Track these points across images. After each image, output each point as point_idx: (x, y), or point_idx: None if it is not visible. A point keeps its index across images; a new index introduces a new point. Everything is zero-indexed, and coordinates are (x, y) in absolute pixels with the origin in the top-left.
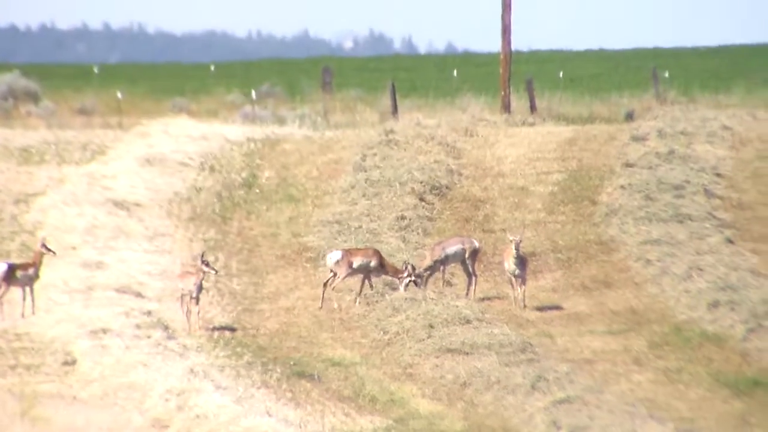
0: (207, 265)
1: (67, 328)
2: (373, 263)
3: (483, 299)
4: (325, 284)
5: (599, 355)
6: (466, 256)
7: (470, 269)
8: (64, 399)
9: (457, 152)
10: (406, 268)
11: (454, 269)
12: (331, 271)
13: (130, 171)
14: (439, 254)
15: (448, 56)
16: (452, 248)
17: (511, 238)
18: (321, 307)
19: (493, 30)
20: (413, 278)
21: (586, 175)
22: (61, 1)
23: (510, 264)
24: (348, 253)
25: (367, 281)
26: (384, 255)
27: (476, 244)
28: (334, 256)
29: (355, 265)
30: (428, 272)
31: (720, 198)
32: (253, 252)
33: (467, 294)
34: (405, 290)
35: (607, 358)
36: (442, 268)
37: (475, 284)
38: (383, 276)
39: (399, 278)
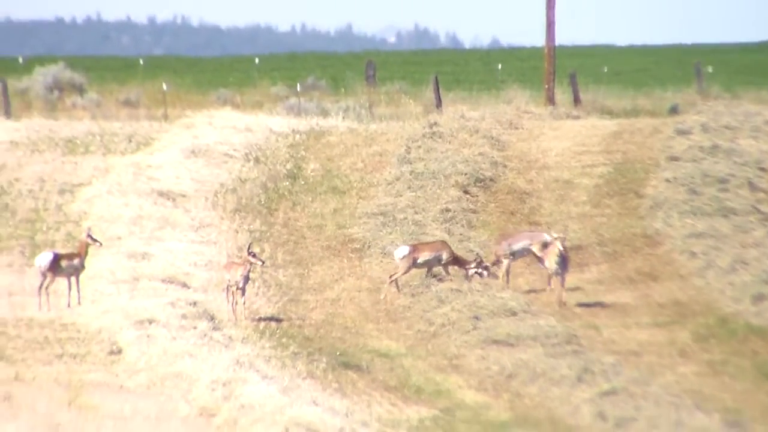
0: (254, 256)
1: (113, 319)
2: (444, 256)
3: (529, 291)
4: (390, 277)
5: (645, 347)
6: (536, 250)
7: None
8: (110, 388)
9: (502, 144)
10: (475, 258)
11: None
12: (398, 265)
13: (176, 162)
14: (504, 250)
15: (492, 51)
16: (519, 244)
17: (555, 236)
18: (399, 291)
19: (538, 25)
20: (479, 269)
21: (631, 168)
22: None
23: (551, 262)
24: (415, 248)
25: (428, 271)
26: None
27: (547, 237)
28: (401, 251)
29: (420, 261)
30: (494, 265)
31: (764, 192)
32: (298, 243)
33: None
34: (469, 281)
35: (653, 350)
36: (508, 262)
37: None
38: (452, 267)
39: (466, 269)
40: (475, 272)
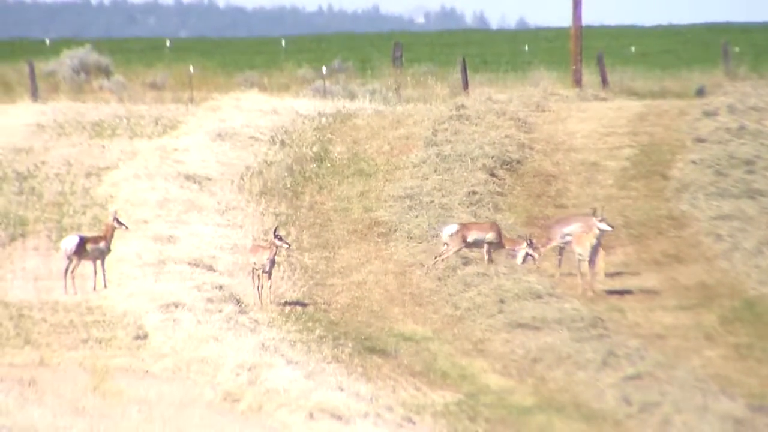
0: (280, 239)
1: (139, 302)
2: (489, 237)
3: (554, 274)
4: (436, 256)
5: (670, 331)
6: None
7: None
8: (135, 373)
9: (529, 127)
10: (525, 239)
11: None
12: (445, 243)
13: (202, 145)
14: (556, 234)
15: (519, 31)
16: (569, 228)
17: (600, 218)
18: (432, 266)
19: (565, 5)
20: (530, 252)
21: (658, 150)
22: None
23: (587, 248)
24: (464, 227)
25: (486, 255)
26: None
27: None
28: (449, 229)
29: (469, 239)
30: (543, 249)
31: None
32: (324, 226)
33: (599, 273)
34: (522, 262)
35: (678, 333)
36: (561, 248)
37: (602, 261)
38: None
39: (516, 250)
40: (527, 254)
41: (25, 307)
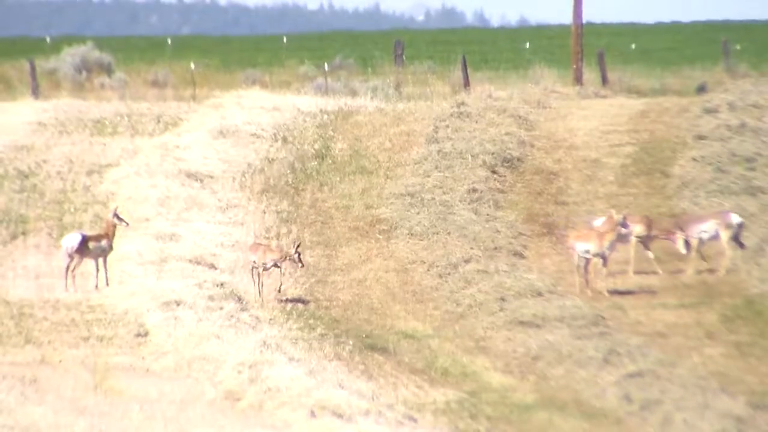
0: (299, 256)
1: (140, 300)
2: (637, 229)
3: (555, 271)
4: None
5: (671, 329)
6: (722, 232)
7: (725, 245)
8: (136, 371)
9: (529, 124)
10: (677, 229)
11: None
12: None
13: (203, 142)
14: (693, 233)
15: (520, 29)
16: (701, 226)
17: (616, 216)
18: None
19: (565, 3)
20: (687, 239)
21: (658, 148)
22: None
23: (605, 244)
24: (610, 218)
25: (642, 246)
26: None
27: (733, 219)
28: (597, 221)
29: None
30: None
31: None
32: (325, 224)
33: (719, 271)
34: (686, 250)
35: (679, 331)
36: (696, 245)
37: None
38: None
39: (673, 239)
40: (686, 241)
41: (26, 306)
